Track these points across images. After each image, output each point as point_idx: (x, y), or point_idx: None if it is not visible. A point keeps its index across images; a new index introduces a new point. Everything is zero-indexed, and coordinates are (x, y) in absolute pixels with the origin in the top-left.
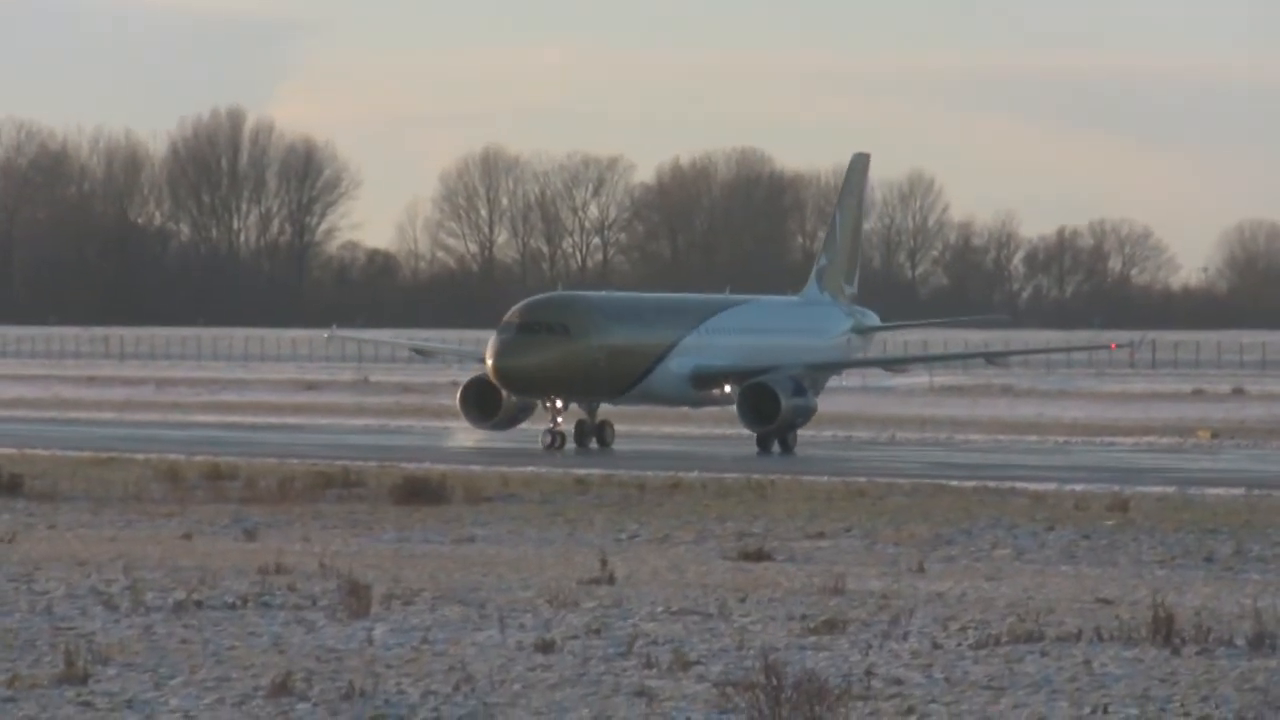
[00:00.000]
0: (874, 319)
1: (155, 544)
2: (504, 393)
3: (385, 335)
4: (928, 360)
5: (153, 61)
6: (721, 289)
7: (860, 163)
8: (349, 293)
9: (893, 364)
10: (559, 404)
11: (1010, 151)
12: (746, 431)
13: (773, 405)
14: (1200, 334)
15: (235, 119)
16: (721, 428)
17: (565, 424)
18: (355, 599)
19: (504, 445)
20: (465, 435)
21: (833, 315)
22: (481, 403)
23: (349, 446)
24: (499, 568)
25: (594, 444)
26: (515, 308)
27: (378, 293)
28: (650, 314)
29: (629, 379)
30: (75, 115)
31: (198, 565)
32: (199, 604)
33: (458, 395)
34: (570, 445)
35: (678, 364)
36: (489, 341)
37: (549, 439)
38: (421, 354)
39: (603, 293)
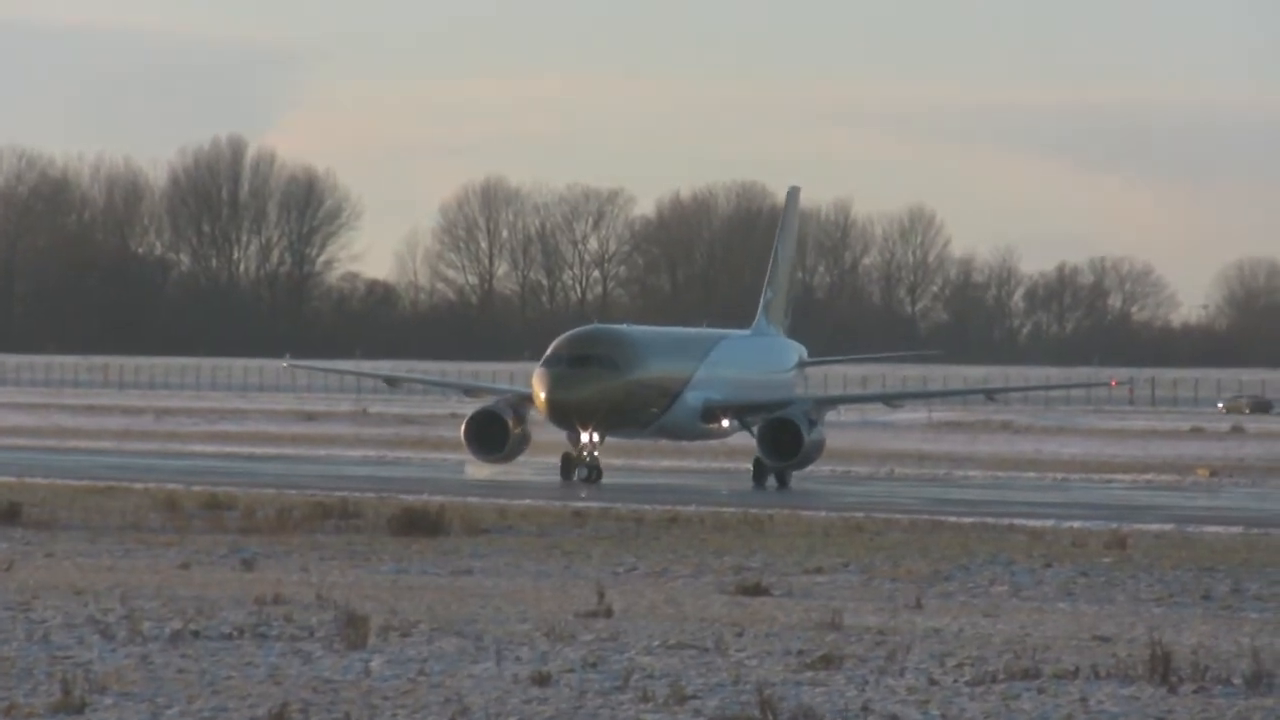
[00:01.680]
0: (805, 353)
1: (153, 573)
2: (513, 427)
3: (366, 366)
4: (928, 396)
5: (154, 90)
6: (700, 323)
7: (794, 196)
8: (348, 323)
9: (894, 399)
10: (595, 438)
11: (1011, 187)
12: (738, 466)
13: (794, 439)
14: (1200, 371)
15: (236, 148)
16: (718, 462)
17: (541, 457)
18: (352, 630)
19: (503, 478)
20: (474, 469)
21: (786, 349)
22: (486, 436)
23: (347, 477)
24: (496, 600)
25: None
26: (561, 341)
27: (377, 324)
28: (672, 348)
29: (655, 412)
30: (76, 143)
31: (195, 595)
32: (196, 634)
33: (462, 429)
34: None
35: (693, 397)
36: (537, 374)
37: (584, 472)
38: (390, 384)
39: (634, 326)
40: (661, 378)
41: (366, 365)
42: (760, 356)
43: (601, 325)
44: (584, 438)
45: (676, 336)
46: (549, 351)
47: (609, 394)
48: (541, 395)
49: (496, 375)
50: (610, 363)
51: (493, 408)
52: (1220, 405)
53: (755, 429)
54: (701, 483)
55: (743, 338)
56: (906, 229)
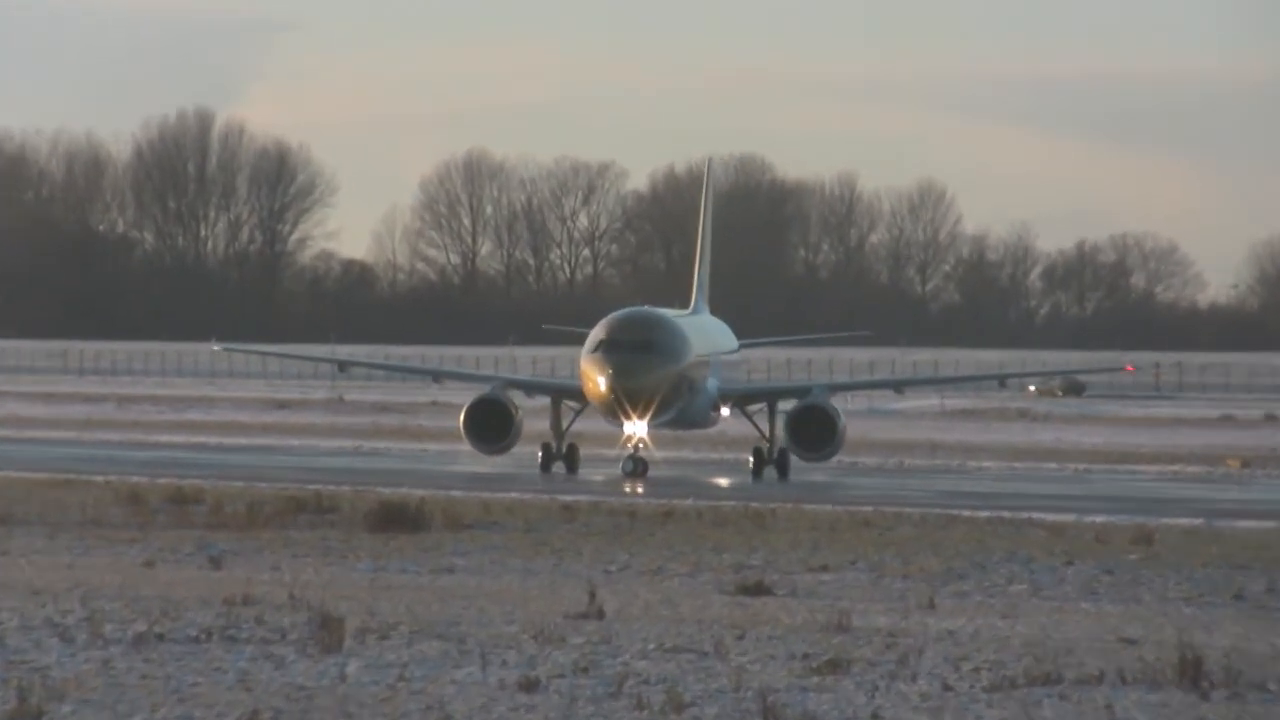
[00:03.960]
0: None
1: (115, 572)
2: (516, 414)
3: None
4: (939, 383)
5: (116, 60)
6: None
7: (710, 167)
8: (323, 306)
9: (904, 385)
10: (640, 430)
11: (1027, 161)
12: (730, 456)
13: (825, 428)
14: (1230, 355)
15: (203, 121)
16: (715, 452)
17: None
18: (327, 633)
19: (491, 470)
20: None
21: (728, 330)
22: (488, 425)
23: (322, 469)
24: (480, 600)
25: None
26: (616, 325)
27: (353, 306)
28: (696, 333)
29: (683, 401)
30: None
31: (160, 595)
32: (160, 637)
33: (462, 418)
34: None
35: (712, 385)
36: (591, 360)
37: (631, 465)
38: (342, 369)
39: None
40: (697, 364)
41: (343, 351)
42: (715, 339)
43: (650, 308)
44: (630, 428)
45: (689, 321)
46: (603, 336)
47: (668, 381)
48: (602, 382)
49: (480, 361)
50: (669, 349)
51: (493, 394)
52: (1031, 388)
53: (781, 417)
54: (696, 473)
55: (695, 319)
56: (916, 205)
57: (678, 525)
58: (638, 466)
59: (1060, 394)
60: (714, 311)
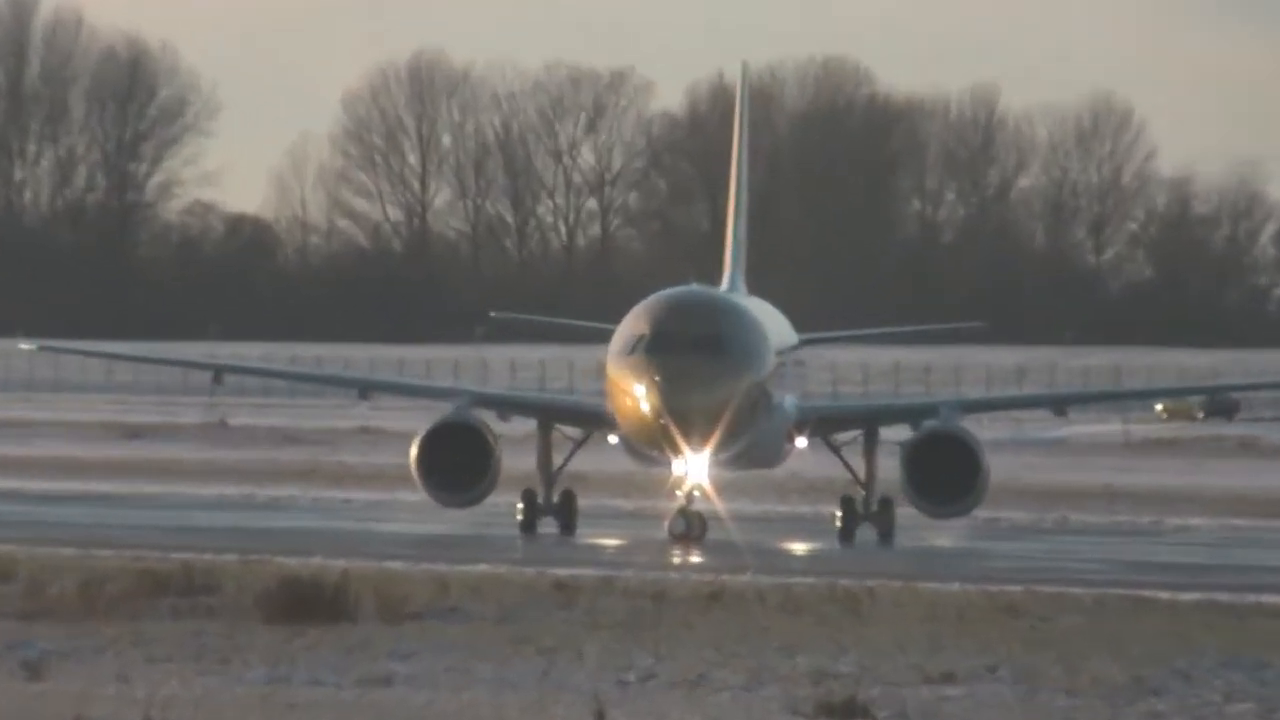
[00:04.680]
0: None
1: None
2: (494, 447)
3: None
4: (1121, 399)
5: None
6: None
7: (748, 78)
8: (197, 283)
9: (1069, 404)
10: (699, 470)
11: (1252, 67)
12: (805, 510)
13: (965, 469)
14: None
15: (20, 9)
16: (784, 503)
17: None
18: None
19: (447, 528)
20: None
21: (783, 322)
22: (453, 464)
23: (194, 530)
24: None
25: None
26: (664, 309)
27: (244, 283)
28: (771, 325)
29: (751, 428)
30: None
31: None
32: None
33: (413, 453)
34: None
35: (789, 403)
36: (631, 363)
37: (684, 525)
38: (219, 379)
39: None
40: (777, 372)
41: (226, 351)
42: (782, 334)
43: (709, 289)
44: (682, 468)
45: (758, 308)
46: (646, 329)
47: (744, 397)
48: (654, 400)
49: (433, 366)
50: (745, 348)
51: (460, 417)
52: (1159, 408)
53: (888, 451)
54: (755, 534)
55: (757, 305)
56: (1086, 133)
57: (728, 613)
58: (693, 526)
59: (1200, 416)
60: (754, 291)
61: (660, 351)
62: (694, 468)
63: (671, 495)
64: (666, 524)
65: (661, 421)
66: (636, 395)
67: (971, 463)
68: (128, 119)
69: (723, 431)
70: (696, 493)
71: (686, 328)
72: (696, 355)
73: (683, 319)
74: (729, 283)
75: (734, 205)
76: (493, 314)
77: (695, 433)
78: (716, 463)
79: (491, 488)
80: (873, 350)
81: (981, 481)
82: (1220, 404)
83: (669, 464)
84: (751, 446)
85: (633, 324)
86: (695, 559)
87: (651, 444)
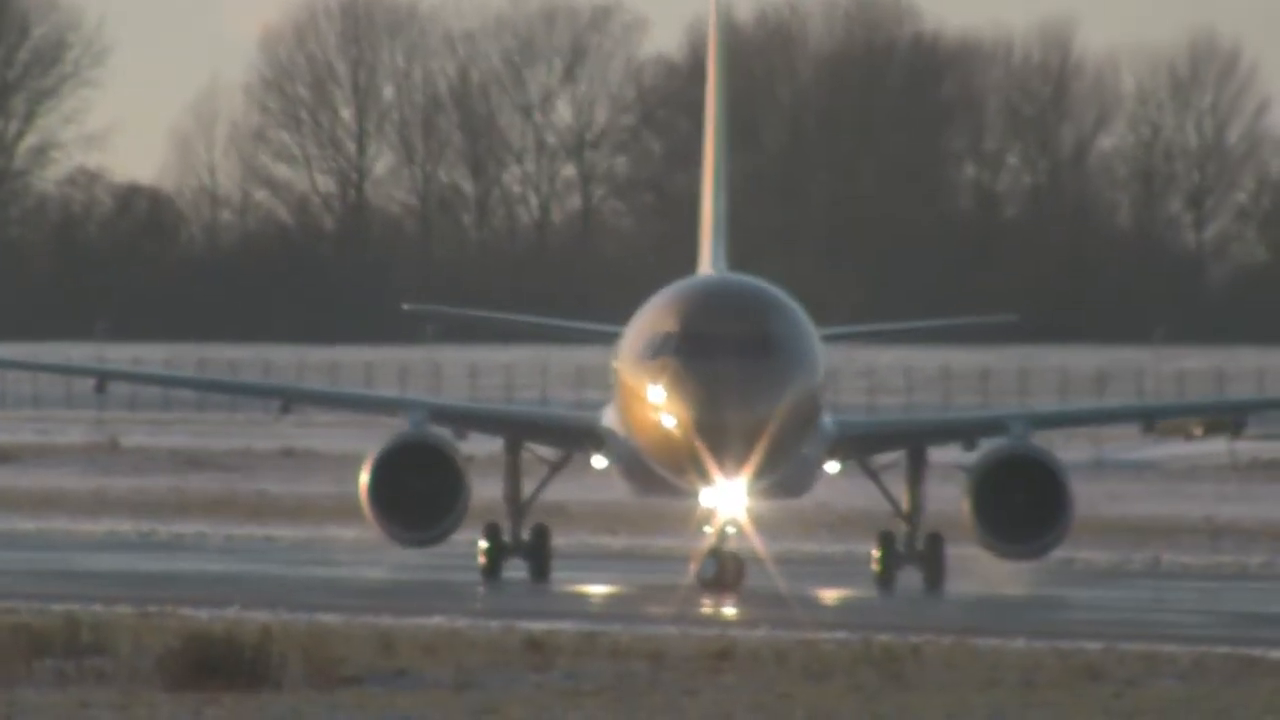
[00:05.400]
0: None
1: None
2: (462, 472)
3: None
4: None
5: None
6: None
7: (724, 10)
8: (80, 267)
9: (1160, 416)
10: (735, 501)
11: None
12: (835, 549)
13: (1049, 499)
14: None
15: None
16: (810, 540)
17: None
18: None
19: (394, 572)
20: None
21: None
22: (413, 494)
23: (80, 576)
24: None
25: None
26: (697, 302)
27: (138, 269)
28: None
29: (803, 446)
30: None
31: None
32: None
33: (363, 480)
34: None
35: (830, 422)
36: (645, 370)
37: (712, 569)
38: (102, 387)
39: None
40: (826, 382)
41: (115, 354)
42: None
43: (742, 277)
44: (714, 499)
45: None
46: (675, 326)
47: (795, 412)
48: (688, 414)
49: (375, 370)
50: (799, 350)
51: (422, 435)
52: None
53: (949, 476)
54: (774, 580)
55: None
56: (1183, 81)
57: (741, 676)
58: (727, 570)
59: (1200, 434)
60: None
61: (696, 356)
62: (728, 498)
63: (698, 530)
64: (694, 568)
65: (695, 441)
66: (664, 408)
67: (1056, 492)
68: None
69: (766, 453)
70: (731, 529)
71: (728, 326)
72: (741, 360)
73: (723, 315)
74: (712, 263)
75: (712, 176)
76: (405, 306)
77: (734, 454)
78: (759, 490)
79: (459, 521)
80: (914, 351)
81: (1069, 515)
82: (1225, 421)
83: (694, 493)
84: (788, 473)
85: (656, 320)
86: (707, 609)
87: (678, 469)
